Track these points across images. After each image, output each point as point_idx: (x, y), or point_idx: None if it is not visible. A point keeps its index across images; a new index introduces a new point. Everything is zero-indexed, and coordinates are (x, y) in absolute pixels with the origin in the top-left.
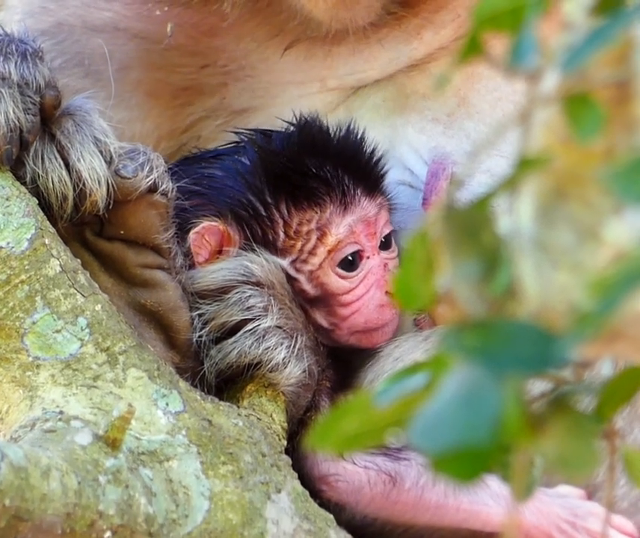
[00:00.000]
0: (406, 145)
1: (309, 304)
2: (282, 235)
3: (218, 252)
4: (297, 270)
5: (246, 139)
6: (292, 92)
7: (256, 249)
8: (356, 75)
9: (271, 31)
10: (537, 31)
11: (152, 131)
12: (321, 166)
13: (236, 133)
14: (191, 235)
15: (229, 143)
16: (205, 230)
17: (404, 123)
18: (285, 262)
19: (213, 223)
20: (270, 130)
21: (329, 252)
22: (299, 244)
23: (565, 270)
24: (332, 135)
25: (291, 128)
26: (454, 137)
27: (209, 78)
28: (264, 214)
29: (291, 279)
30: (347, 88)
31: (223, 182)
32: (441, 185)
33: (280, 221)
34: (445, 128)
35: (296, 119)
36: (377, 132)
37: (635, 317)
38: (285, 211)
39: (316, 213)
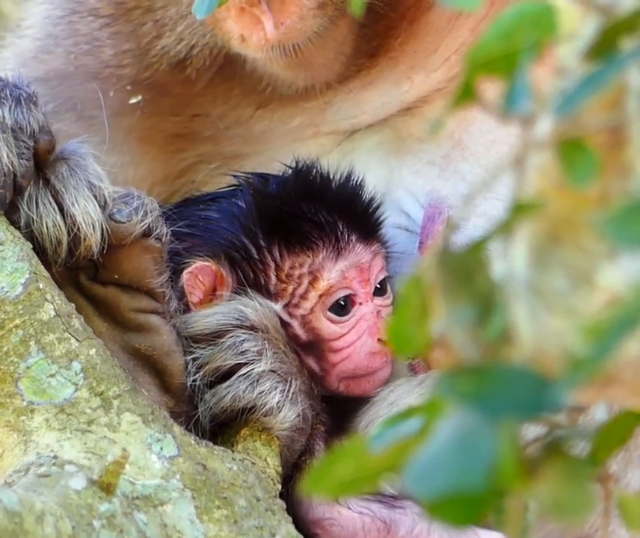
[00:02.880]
0: (402, 188)
1: (302, 349)
2: (274, 278)
3: (212, 294)
4: (290, 315)
5: (243, 182)
6: (286, 137)
7: (250, 292)
8: (349, 120)
9: (245, 90)
10: (530, 76)
11: (145, 177)
12: (316, 211)
13: (234, 176)
14: (185, 274)
15: (228, 187)
16: (199, 270)
17: (400, 166)
18: (278, 306)
19: (206, 263)
20: (267, 174)
21: (320, 296)
22: (291, 288)
23: (559, 314)
24: (330, 181)
25: (289, 171)
26: (450, 180)
27: (201, 126)
28: (256, 257)
29: (284, 324)
30: (341, 132)
31: (218, 224)
32: (437, 229)
33: (272, 264)
34: (440, 170)
35: (295, 163)
36: (373, 175)
37: (628, 362)
38: (278, 255)
39: (309, 257)
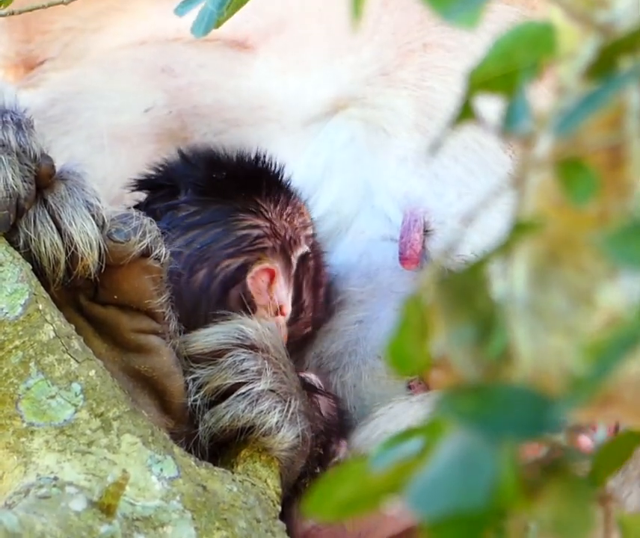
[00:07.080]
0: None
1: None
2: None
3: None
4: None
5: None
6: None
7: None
8: None
9: None
10: (530, 96)
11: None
12: None
13: None
14: (248, 279)
15: None
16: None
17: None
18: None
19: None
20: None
21: None
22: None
23: (559, 334)
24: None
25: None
26: (424, 177)
27: None
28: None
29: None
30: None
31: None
32: (415, 238)
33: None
34: (415, 167)
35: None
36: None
37: (628, 382)
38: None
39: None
